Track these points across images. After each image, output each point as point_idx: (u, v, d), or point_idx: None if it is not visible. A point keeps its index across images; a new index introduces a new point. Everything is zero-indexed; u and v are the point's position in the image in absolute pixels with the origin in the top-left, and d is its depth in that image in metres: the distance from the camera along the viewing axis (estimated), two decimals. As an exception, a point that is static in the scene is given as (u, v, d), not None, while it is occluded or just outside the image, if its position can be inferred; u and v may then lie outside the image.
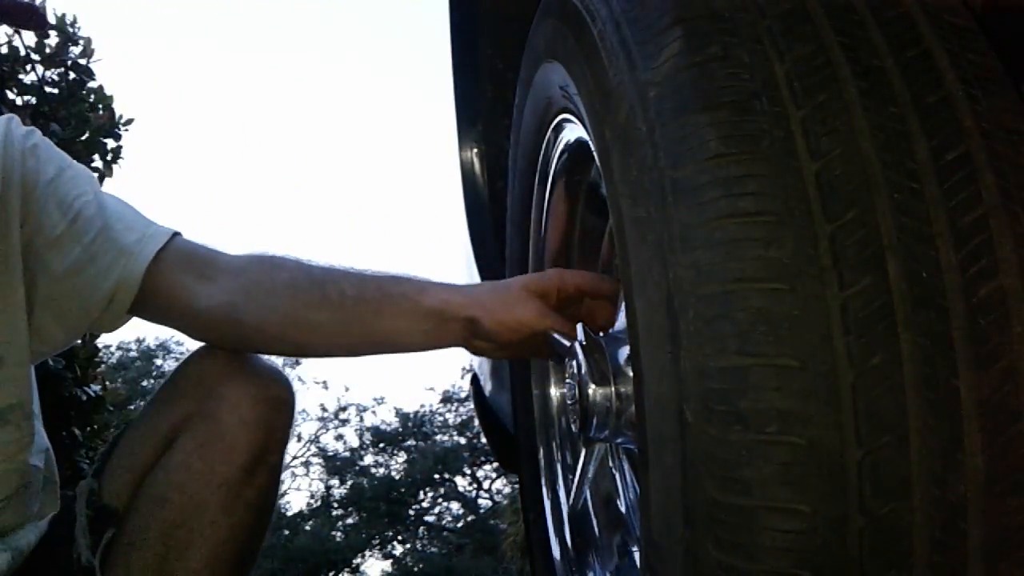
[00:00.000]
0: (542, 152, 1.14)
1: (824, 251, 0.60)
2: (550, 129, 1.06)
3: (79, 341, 2.79)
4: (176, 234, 1.09)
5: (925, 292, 0.59)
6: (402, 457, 19.08)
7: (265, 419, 1.06)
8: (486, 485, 17.86)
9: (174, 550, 1.02)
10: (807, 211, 0.61)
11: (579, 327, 1.00)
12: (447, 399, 19.05)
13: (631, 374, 0.85)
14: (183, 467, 1.04)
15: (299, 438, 19.46)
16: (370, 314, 1.05)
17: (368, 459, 19.18)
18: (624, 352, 1.01)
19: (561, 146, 1.08)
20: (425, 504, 18.59)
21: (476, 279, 1.51)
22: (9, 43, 4.19)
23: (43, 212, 1.06)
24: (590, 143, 0.88)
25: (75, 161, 1.14)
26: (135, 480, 1.07)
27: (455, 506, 18.56)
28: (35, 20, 1.07)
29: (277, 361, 1.18)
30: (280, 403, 1.08)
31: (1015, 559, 0.59)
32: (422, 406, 19.77)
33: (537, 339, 1.02)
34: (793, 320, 0.59)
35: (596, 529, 1.10)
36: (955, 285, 0.60)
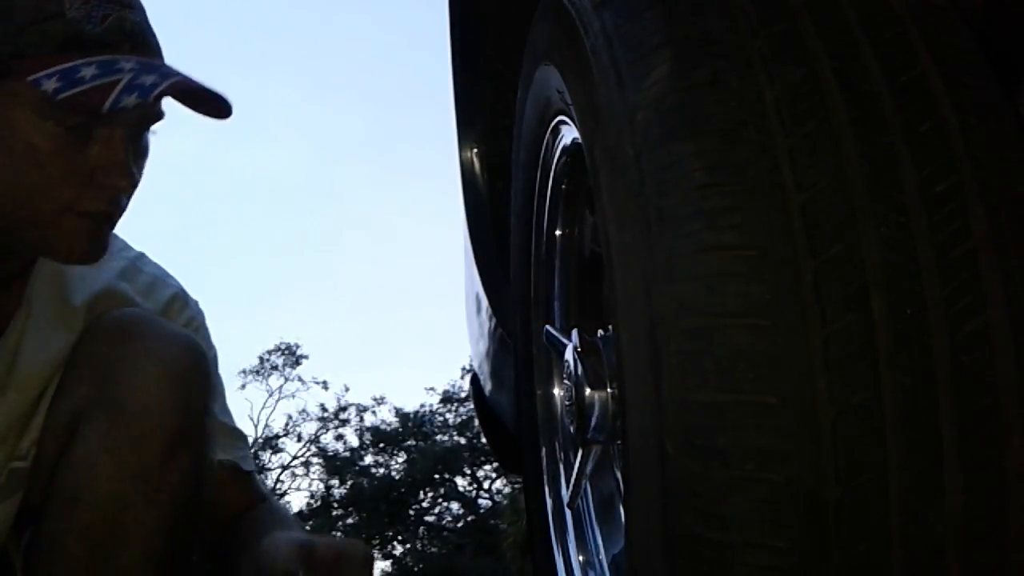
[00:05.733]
0: (543, 148, 1.13)
1: (807, 287, 0.59)
2: (549, 130, 1.06)
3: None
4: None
5: (909, 329, 0.59)
6: (402, 457, 19.11)
7: (173, 398, 0.95)
8: (486, 485, 17.92)
9: (99, 551, 0.93)
10: (791, 245, 0.60)
11: (574, 332, 1.00)
12: (447, 399, 19.03)
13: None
14: (89, 462, 0.94)
15: (299, 438, 19.62)
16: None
17: (368, 459, 19.23)
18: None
19: (560, 147, 1.07)
20: (425, 504, 18.63)
21: (476, 279, 1.51)
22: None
23: None
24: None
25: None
26: (45, 476, 0.98)
27: (455, 506, 18.62)
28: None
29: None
30: (188, 375, 0.97)
31: (993, 598, 0.59)
32: (422, 406, 19.76)
33: None
34: (773, 357, 0.59)
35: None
36: (939, 322, 0.59)
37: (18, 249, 0.99)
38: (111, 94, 0.87)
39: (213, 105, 0.97)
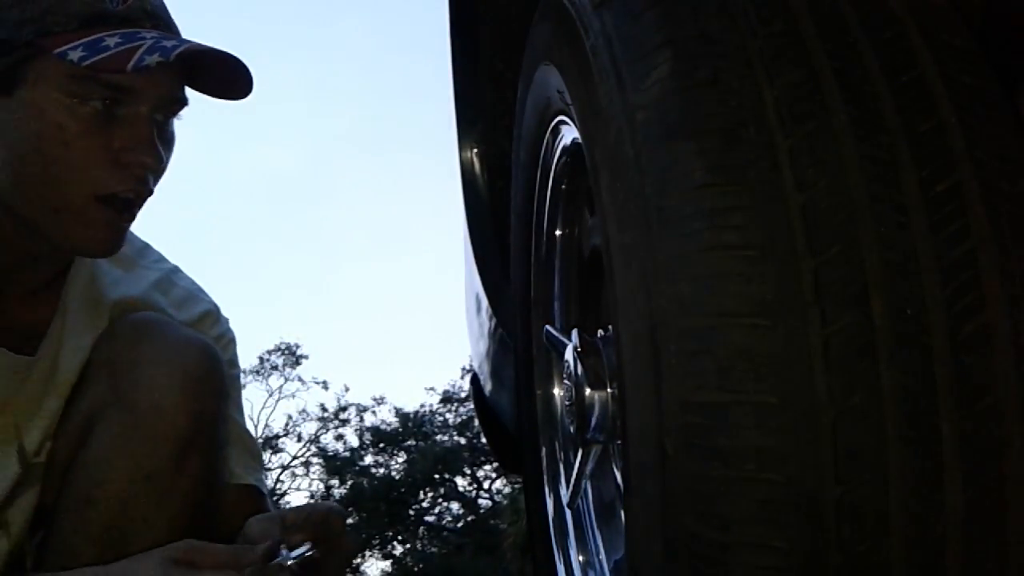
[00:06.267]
0: (543, 148, 1.13)
1: (807, 286, 0.59)
2: (549, 130, 1.06)
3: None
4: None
5: (908, 329, 0.59)
6: (402, 457, 19.06)
7: (187, 400, 0.96)
8: (486, 485, 17.87)
9: (110, 552, 0.93)
10: (791, 245, 0.60)
11: (574, 332, 1.00)
12: (447, 399, 18.99)
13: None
14: (103, 463, 0.95)
15: (299, 438, 19.59)
16: None
17: (368, 459, 19.17)
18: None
19: (560, 147, 1.07)
20: (425, 504, 18.55)
21: (476, 279, 1.51)
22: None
23: None
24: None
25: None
26: (59, 474, 0.98)
27: (455, 506, 18.55)
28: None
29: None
30: (203, 378, 0.98)
31: (993, 597, 0.59)
32: (422, 406, 19.70)
33: None
34: (774, 357, 0.59)
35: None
36: (939, 322, 0.59)
37: (41, 248, 0.99)
38: (135, 55, 0.89)
39: (231, 83, 0.98)
